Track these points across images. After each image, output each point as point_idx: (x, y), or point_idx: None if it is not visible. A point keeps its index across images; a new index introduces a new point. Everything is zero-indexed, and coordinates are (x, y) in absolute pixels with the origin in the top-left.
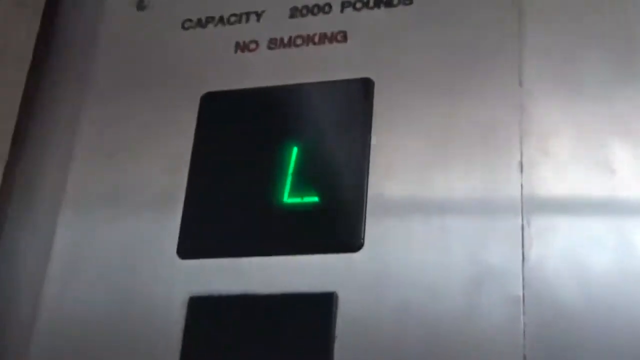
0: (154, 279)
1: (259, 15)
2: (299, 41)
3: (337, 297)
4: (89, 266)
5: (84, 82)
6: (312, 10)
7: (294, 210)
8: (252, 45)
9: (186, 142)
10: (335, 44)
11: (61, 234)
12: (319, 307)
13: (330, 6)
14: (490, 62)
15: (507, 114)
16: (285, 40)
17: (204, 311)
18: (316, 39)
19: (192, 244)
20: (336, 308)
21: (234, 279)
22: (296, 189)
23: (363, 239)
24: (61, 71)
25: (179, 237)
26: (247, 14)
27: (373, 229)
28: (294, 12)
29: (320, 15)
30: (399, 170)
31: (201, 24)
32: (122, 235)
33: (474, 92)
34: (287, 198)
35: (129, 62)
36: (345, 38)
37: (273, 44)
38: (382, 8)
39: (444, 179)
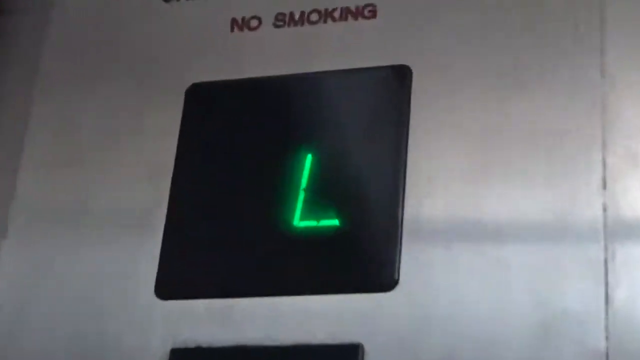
0: (127, 326)
1: None
2: (314, 17)
3: (363, 350)
4: (42, 308)
5: (35, 72)
6: None
7: (307, 236)
8: (254, 23)
9: (167, 148)
10: (361, 21)
11: (6, 266)
12: None
13: None
14: (561, 46)
15: (585, 112)
16: (297, 16)
17: None
18: (336, 15)
19: (174, 281)
20: None
21: (228, 326)
22: (310, 209)
23: (397, 274)
24: (5, 59)
25: (158, 272)
26: None
27: (410, 261)
28: None
29: None
30: (444, 185)
31: None
32: (85, 268)
33: (540, 84)
34: (299, 221)
35: (93, 46)
36: (374, 14)
37: (280, 20)
38: None
39: (502, 197)
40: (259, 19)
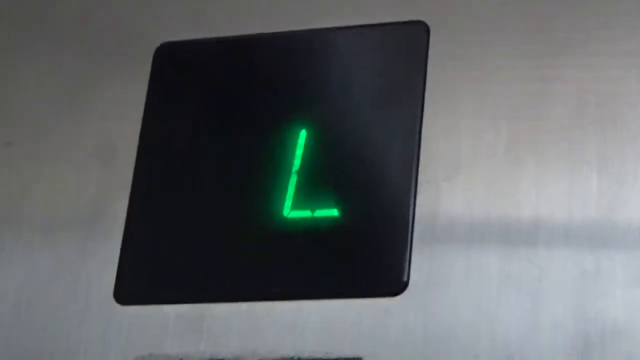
0: (79, 338)
1: None
2: None
3: None
4: None
5: None
6: None
7: (300, 230)
8: None
9: (128, 123)
10: None
11: None
12: None
13: None
14: None
15: None
16: None
17: None
18: None
19: (136, 284)
20: None
21: (202, 336)
22: (304, 197)
23: (407, 276)
24: None
25: (118, 273)
26: None
27: (422, 261)
28: None
29: None
30: (466, 169)
31: None
32: (31, 267)
33: (592, 45)
34: (290, 211)
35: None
36: None
37: None
38: None
39: (537, 187)
40: None
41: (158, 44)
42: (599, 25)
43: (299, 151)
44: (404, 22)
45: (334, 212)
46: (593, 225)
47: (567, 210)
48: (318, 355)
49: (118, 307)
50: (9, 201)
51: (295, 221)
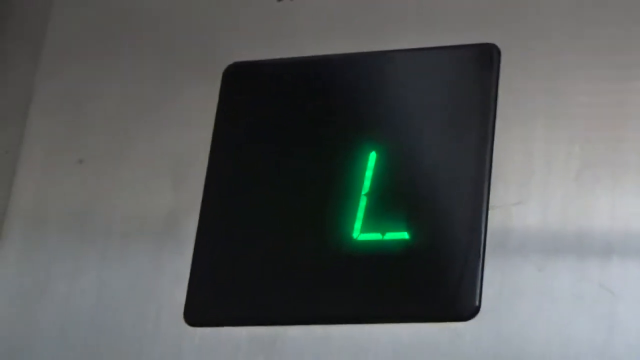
0: (150, 357)
1: None
2: None
3: None
4: (45, 333)
5: (38, 47)
6: None
7: (370, 252)
8: None
9: (199, 140)
10: None
11: (4, 277)
12: None
13: None
14: None
15: None
16: None
17: None
18: None
19: (208, 305)
20: None
21: (274, 359)
22: (374, 220)
23: (479, 300)
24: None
25: (188, 294)
26: None
27: (494, 284)
28: None
29: None
30: (539, 190)
31: None
32: (93, 286)
33: None
34: (360, 234)
35: (109, 14)
36: None
37: None
38: None
39: (613, 207)
40: None
41: (228, 63)
42: None
43: (369, 173)
44: (475, 45)
45: (404, 235)
46: None
47: None
48: None
49: (188, 328)
50: (81, 217)
51: (366, 244)
